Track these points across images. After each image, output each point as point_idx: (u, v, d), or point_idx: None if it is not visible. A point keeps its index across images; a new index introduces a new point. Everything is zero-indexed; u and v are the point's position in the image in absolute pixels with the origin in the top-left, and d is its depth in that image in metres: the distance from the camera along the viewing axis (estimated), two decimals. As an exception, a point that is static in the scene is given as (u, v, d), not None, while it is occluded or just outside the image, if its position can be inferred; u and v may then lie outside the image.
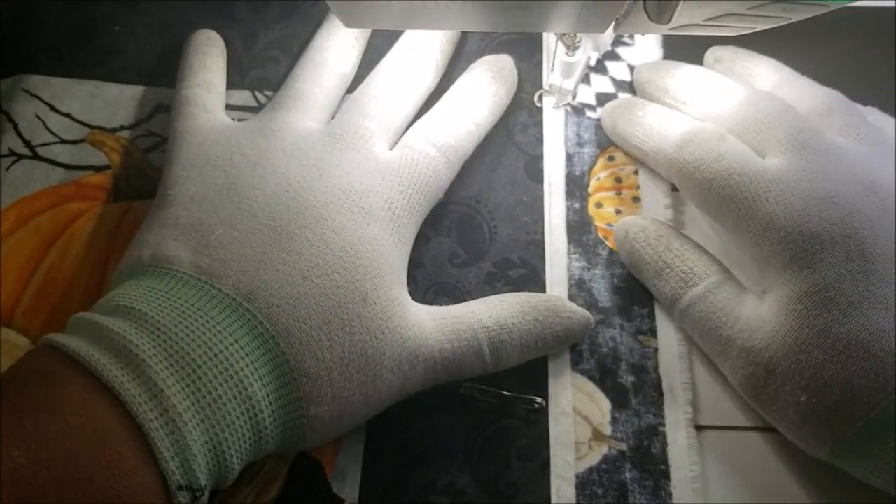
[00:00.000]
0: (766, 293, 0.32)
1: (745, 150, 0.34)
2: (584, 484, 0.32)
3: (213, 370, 0.27)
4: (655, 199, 0.38)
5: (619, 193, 0.38)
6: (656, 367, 0.34)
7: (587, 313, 0.35)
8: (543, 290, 0.36)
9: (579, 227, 0.37)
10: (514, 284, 0.36)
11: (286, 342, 0.29)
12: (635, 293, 0.36)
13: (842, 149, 0.34)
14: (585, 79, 0.41)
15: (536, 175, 0.39)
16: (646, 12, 0.27)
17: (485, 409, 0.34)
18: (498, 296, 0.35)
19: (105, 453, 0.24)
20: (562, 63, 0.38)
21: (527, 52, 0.41)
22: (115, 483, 0.24)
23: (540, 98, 0.40)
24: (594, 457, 0.33)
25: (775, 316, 0.31)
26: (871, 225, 0.31)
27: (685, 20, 0.28)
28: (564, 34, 0.36)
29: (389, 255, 0.33)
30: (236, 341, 0.28)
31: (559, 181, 0.38)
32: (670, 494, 0.32)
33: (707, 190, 0.34)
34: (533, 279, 0.36)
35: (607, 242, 0.37)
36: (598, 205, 0.38)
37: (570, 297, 0.36)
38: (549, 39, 0.41)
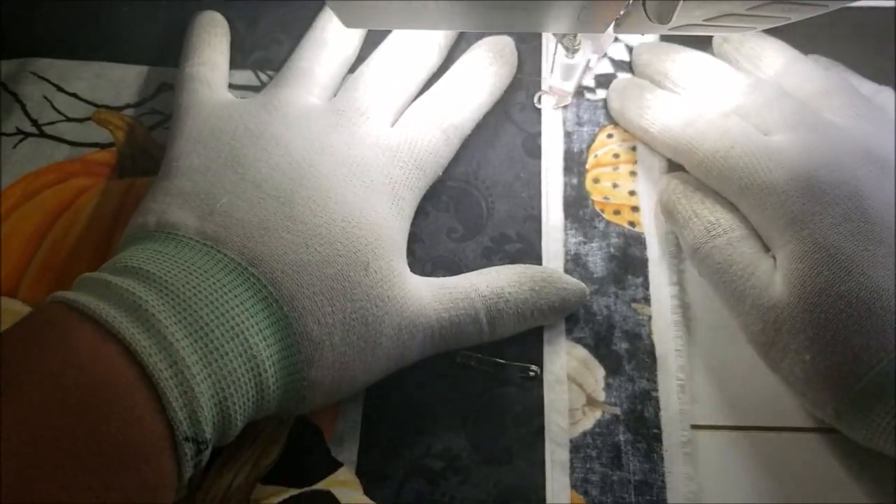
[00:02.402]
0: (774, 257, 0.33)
1: (749, 127, 0.35)
2: (578, 447, 0.33)
3: (220, 327, 0.27)
4: (652, 175, 0.38)
5: (616, 168, 0.39)
6: (650, 334, 0.35)
7: (582, 285, 0.35)
8: (540, 265, 0.37)
9: (576, 202, 0.38)
10: (510, 259, 0.37)
11: (289, 306, 0.29)
12: (630, 263, 0.36)
13: (839, 125, 0.35)
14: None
15: (534, 151, 0.39)
16: (645, 12, 0.27)
17: (480, 377, 0.34)
18: (495, 267, 0.35)
19: (116, 400, 0.24)
20: (562, 65, 0.38)
21: (527, 34, 0.42)
22: (126, 430, 0.24)
23: (539, 99, 0.40)
24: (588, 422, 0.33)
25: (781, 276, 0.32)
26: (869, 189, 0.32)
27: (685, 20, 0.28)
28: (564, 36, 0.36)
29: (390, 227, 0.33)
30: (242, 303, 0.28)
31: (557, 157, 0.39)
32: (662, 458, 0.32)
33: (711, 162, 0.35)
34: (529, 253, 0.37)
35: (604, 215, 0.38)
36: (596, 180, 0.38)
37: (566, 272, 0.36)
38: (549, 41, 0.42)
